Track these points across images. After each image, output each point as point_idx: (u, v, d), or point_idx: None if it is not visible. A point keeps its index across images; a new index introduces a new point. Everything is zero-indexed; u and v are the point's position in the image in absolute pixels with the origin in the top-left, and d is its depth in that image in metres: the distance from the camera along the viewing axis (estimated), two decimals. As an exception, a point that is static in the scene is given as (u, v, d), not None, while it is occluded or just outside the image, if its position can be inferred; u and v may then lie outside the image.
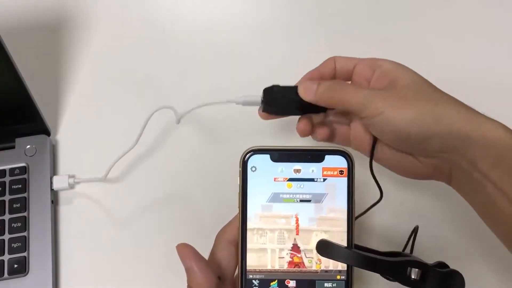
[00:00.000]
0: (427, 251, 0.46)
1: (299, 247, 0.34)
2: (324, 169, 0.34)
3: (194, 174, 0.53)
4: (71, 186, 0.52)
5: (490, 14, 0.62)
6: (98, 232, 0.50)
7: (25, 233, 0.48)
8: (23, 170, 0.51)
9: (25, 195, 0.49)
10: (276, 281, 0.34)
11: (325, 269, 0.34)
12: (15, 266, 0.46)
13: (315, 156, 0.34)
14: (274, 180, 0.34)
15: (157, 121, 0.51)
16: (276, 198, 0.34)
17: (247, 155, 0.34)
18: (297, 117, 0.44)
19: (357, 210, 0.35)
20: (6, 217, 0.48)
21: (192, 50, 0.60)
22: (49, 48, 0.60)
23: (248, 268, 0.34)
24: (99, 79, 0.58)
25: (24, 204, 0.49)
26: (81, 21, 0.62)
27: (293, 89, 0.42)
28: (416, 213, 0.51)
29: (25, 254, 0.47)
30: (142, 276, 0.49)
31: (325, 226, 0.34)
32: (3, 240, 0.47)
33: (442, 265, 0.35)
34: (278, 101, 0.42)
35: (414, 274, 0.33)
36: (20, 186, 0.50)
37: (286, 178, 0.34)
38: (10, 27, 0.61)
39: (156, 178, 0.53)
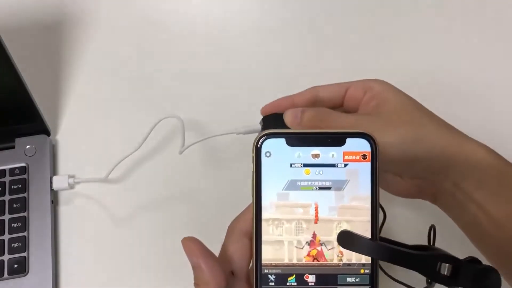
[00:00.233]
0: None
1: (319, 239, 0.31)
2: (345, 153, 0.31)
3: (195, 175, 0.52)
4: (71, 186, 0.51)
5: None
6: (98, 232, 0.50)
7: (25, 233, 0.48)
8: (23, 170, 0.50)
9: (25, 195, 0.49)
10: (294, 276, 0.31)
11: (347, 262, 0.31)
12: (15, 266, 0.46)
13: (336, 139, 0.31)
14: (291, 166, 0.31)
15: (159, 122, 0.50)
16: (293, 185, 0.31)
17: (261, 140, 0.31)
18: None
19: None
20: (6, 217, 0.48)
21: (194, 49, 0.60)
22: (49, 48, 0.60)
23: (263, 262, 0.31)
24: (99, 79, 0.58)
25: (24, 204, 0.49)
26: (81, 21, 0.62)
27: None
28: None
29: (25, 254, 0.47)
30: (142, 276, 0.48)
31: (347, 215, 0.31)
32: (3, 240, 0.47)
33: (474, 260, 0.32)
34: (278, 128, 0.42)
35: (444, 269, 0.31)
36: (20, 186, 0.49)
37: (303, 164, 0.31)
38: (10, 27, 0.61)
39: (156, 179, 0.52)
